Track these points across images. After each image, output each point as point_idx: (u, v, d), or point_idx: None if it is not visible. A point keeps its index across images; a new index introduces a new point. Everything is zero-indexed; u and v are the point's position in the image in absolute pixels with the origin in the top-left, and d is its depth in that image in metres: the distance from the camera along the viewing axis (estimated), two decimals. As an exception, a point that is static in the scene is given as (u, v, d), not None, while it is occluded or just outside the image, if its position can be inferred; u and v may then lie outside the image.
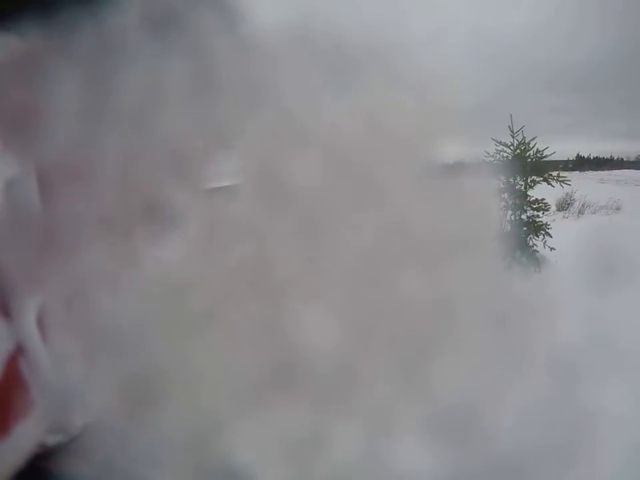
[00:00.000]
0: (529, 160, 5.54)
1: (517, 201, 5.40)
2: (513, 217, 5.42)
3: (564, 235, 5.45)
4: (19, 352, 0.46)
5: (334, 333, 0.50)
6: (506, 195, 5.18)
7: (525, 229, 5.36)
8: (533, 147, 5.53)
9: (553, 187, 5.63)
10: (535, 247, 5.29)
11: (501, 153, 5.55)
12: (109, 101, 0.46)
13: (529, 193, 5.50)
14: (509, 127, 5.52)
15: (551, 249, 5.26)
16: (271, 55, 0.52)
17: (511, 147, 5.56)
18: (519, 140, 5.55)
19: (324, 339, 0.51)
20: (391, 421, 0.53)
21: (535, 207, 5.46)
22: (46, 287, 0.45)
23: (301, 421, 0.51)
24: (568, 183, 5.65)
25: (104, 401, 0.48)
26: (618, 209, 8.61)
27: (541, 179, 5.57)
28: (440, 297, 0.53)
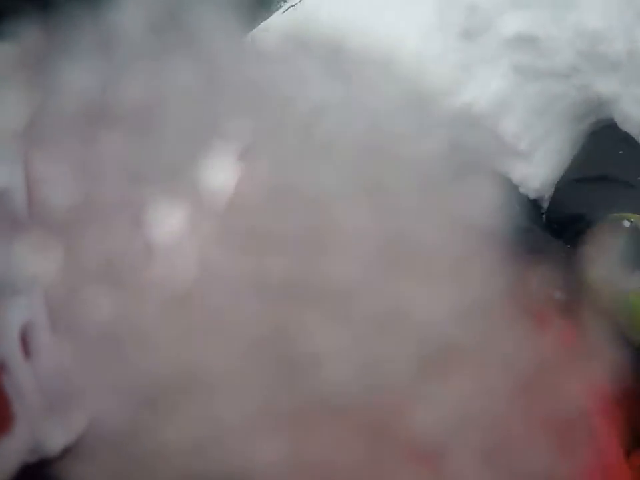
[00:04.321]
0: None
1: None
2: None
3: None
4: (0, 367, 0.45)
5: (336, 340, 0.50)
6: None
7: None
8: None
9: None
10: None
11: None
12: (108, 101, 0.46)
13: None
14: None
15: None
16: (271, 56, 0.52)
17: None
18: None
19: (328, 346, 0.51)
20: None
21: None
22: (32, 294, 0.44)
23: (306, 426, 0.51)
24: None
25: (102, 408, 0.47)
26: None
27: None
28: (444, 307, 0.53)
